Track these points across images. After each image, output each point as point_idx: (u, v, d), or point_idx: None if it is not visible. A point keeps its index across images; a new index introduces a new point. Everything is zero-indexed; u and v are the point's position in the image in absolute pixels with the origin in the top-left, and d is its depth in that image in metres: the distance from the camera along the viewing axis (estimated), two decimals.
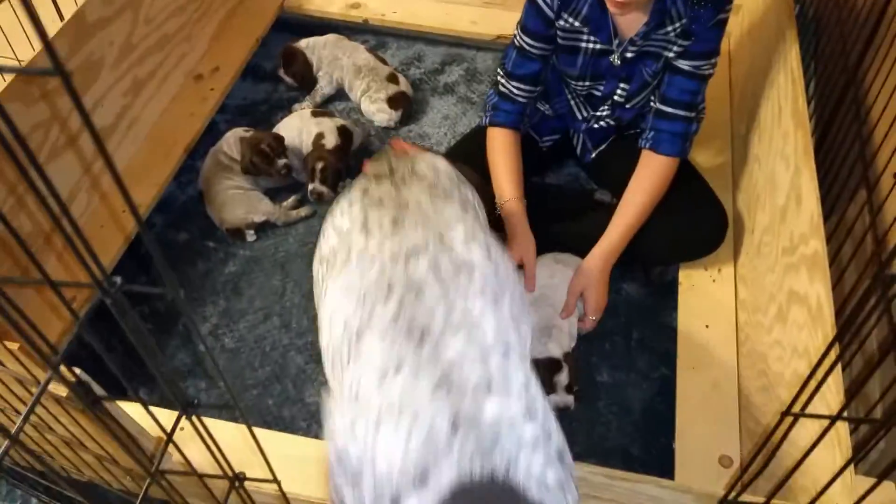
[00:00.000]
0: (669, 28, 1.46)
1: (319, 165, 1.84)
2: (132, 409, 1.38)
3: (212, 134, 1.99)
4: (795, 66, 1.52)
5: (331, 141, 1.89)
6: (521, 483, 0.69)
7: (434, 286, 0.84)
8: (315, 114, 1.97)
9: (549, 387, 1.48)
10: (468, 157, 1.72)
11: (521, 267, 1.58)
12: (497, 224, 1.63)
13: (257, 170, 1.83)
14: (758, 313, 1.48)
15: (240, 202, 1.81)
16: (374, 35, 2.36)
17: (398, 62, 2.29)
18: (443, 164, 1.11)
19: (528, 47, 1.57)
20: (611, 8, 1.41)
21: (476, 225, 0.98)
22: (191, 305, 1.70)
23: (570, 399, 1.48)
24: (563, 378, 1.48)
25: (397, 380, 0.75)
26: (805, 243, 1.27)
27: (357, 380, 0.79)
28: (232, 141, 1.87)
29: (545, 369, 1.48)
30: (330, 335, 0.89)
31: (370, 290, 0.86)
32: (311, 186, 1.85)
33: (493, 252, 0.94)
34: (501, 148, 1.65)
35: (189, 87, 1.99)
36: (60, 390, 0.92)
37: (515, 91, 1.63)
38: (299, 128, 1.94)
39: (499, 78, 1.66)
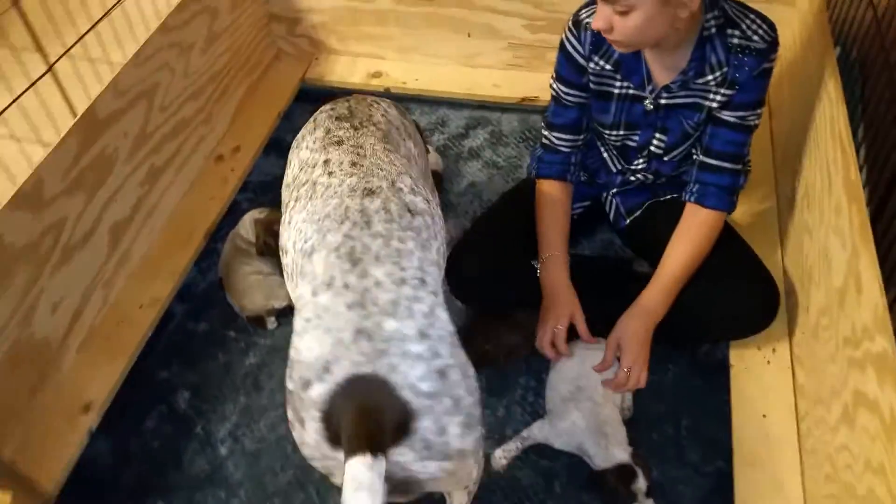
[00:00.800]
0: (710, 77, 1.38)
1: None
2: None
3: (233, 214, 1.94)
4: (844, 131, 1.40)
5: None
6: (395, 384, 0.91)
7: (381, 221, 1.05)
8: None
9: (628, 497, 1.36)
10: (512, 211, 1.68)
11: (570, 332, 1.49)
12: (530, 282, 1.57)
13: (272, 251, 1.76)
14: (819, 406, 1.34)
15: (259, 288, 1.74)
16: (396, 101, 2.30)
17: (422, 127, 2.22)
18: (394, 113, 1.38)
19: (563, 95, 1.54)
20: (614, 46, 1.37)
21: (419, 178, 1.23)
22: (210, 404, 1.63)
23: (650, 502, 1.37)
24: (640, 484, 1.36)
25: (327, 294, 0.98)
26: (870, 339, 1.14)
27: (301, 293, 1.03)
28: (248, 224, 1.80)
29: (618, 479, 1.36)
30: (293, 254, 1.10)
31: (329, 216, 1.06)
32: None
33: (432, 204, 1.19)
34: (548, 201, 1.61)
35: (209, 170, 1.95)
36: None
37: (557, 141, 1.59)
38: None
39: (543, 130, 1.62)
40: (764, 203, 1.83)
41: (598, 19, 1.31)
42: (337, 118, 1.28)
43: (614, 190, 1.71)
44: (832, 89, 1.50)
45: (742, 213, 1.77)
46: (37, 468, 1.39)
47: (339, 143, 1.21)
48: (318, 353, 0.93)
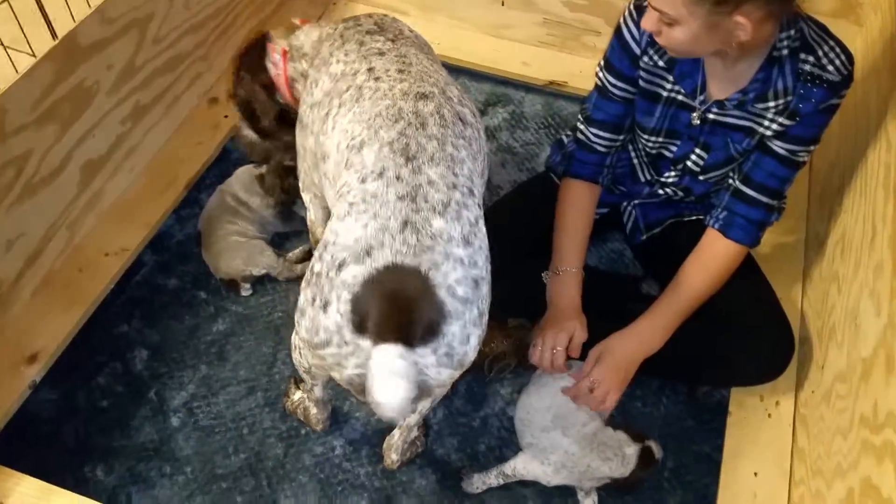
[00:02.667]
0: (771, 104, 1.24)
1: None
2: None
3: (222, 164, 1.80)
4: None
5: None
6: (435, 282, 0.91)
7: (436, 124, 1.04)
8: None
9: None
10: (526, 208, 1.57)
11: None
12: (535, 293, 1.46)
13: (291, 196, 1.62)
14: (819, 478, 1.23)
15: (239, 251, 1.61)
16: None
17: None
18: (417, 32, 1.35)
19: (610, 87, 1.37)
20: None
21: (463, 93, 1.18)
22: (168, 368, 1.52)
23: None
24: (659, 453, 1.35)
25: (376, 183, 0.97)
26: (894, 430, 1.02)
27: (346, 181, 1.01)
28: (246, 179, 1.66)
29: (645, 466, 1.33)
30: (335, 155, 1.08)
31: (380, 115, 1.05)
32: None
33: (478, 117, 1.17)
34: (573, 204, 1.47)
35: (201, 113, 1.79)
36: None
37: (594, 139, 1.44)
38: None
39: (578, 123, 1.46)
40: (792, 236, 1.69)
41: (647, 20, 1.18)
42: (368, 32, 1.25)
43: (637, 201, 1.57)
44: (893, 133, 1.35)
45: (767, 242, 1.64)
46: None
47: (381, 53, 1.18)
48: (359, 236, 0.93)
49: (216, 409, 1.48)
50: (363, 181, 0.97)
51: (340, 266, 0.92)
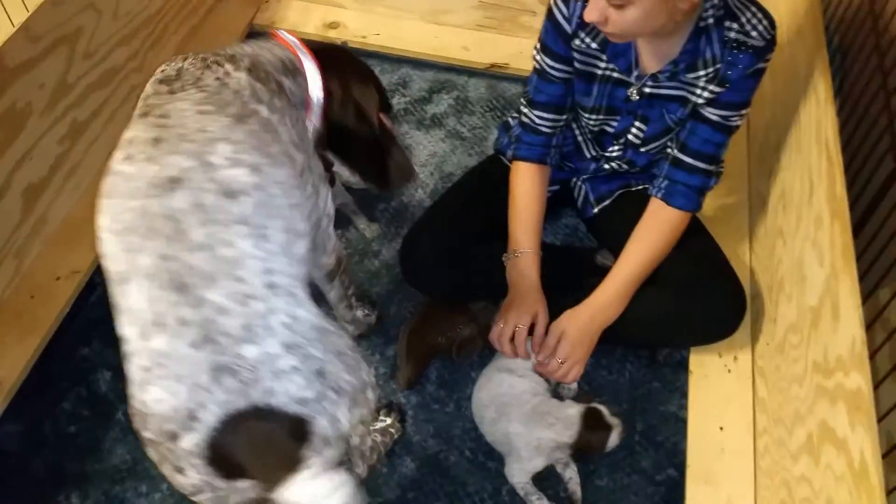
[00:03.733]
0: (701, 73, 1.28)
1: None
2: None
3: None
4: (832, 138, 1.31)
5: None
6: (282, 405, 0.83)
7: (198, 224, 0.86)
8: None
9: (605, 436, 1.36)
10: (479, 191, 1.59)
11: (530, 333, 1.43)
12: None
13: None
14: (780, 426, 1.29)
15: None
16: None
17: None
18: (241, 77, 1.04)
19: (548, 69, 1.39)
20: (608, 37, 1.25)
21: (249, 140, 0.95)
22: None
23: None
24: (608, 417, 1.37)
25: (161, 338, 0.82)
26: (844, 372, 1.07)
27: (125, 328, 0.86)
28: None
29: (592, 426, 1.35)
30: (107, 269, 0.89)
31: (131, 229, 0.87)
32: None
33: (264, 172, 0.94)
34: (524, 187, 1.49)
35: None
36: None
37: (538, 121, 1.45)
38: None
39: (521, 107, 1.48)
40: (735, 196, 1.74)
41: (592, 11, 1.17)
42: (161, 81, 1.03)
43: (585, 176, 1.61)
44: (822, 89, 1.40)
45: (711, 205, 1.69)
46: None
47: (146, 113, 0.97)
48: (174, 405, 0.81)
49: None
50: (145, 338, 0.83)
51: (173, 437, 0.82)
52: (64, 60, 1.48)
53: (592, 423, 1.36)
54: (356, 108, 1.25)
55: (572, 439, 1.35)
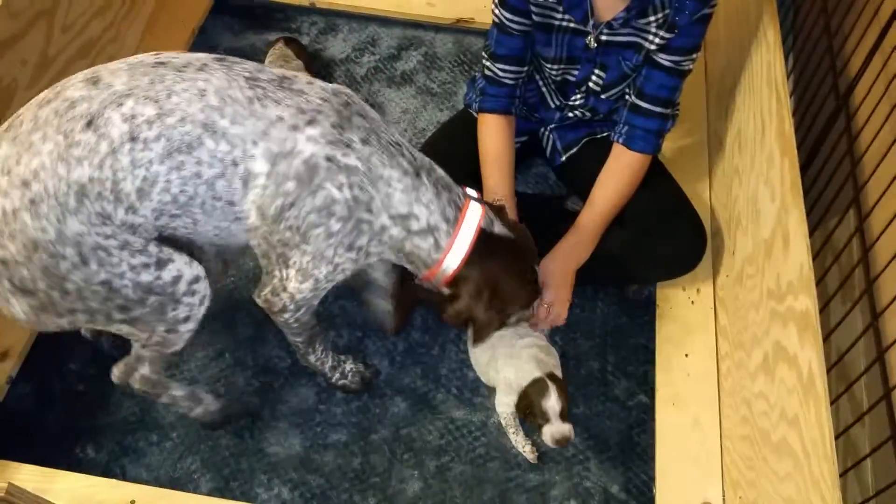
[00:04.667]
0: (651, 18, 1.36)
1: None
2: (74, 484, 1.28)
3: None
4: (780, 79, 1.41)
5: None
6: None
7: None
8: None
9: (539, 417, 1.38)
10: (451, 146, 1.63)
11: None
12: None
13: None
14: (740, 350, 1.41)
15: None
16: (321, 17, 2.17)
17: (350, 48, 2.11)
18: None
19: (507, 22, 1.45)
20: None
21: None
22: None
23: (566, 428, 1.37)
24: (552, 403, 1.37)
25: None
26: (794, 296, 1.19)
27: None
28: None
29: (533, 394, 1.37)
30: None
31: None
32: None
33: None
34: (492, 137, 1.56)
35: None
36: None
37: (501, 73, 1.52)
38: None
39: (484, 60, 1.54)
40: (694, 137, 1.84)
41: None
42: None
43: (552, 126, 1.69)
44: (771, 34, 1.49)
45: (672, 147, 1.79)
46: None
47: None
48: None
49: (190, 375, 1.55)
50: None
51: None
52: (43, 35, 1.51)
53: (537, 393, 1.38)
54: (488, 302, 1.27)
55: (517, 394, 1.42)
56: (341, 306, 1.65)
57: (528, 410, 1.40)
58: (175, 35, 1.95)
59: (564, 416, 1.38)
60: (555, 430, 1.37)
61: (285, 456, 1.46)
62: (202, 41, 2.04)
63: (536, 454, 1.46)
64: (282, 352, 1.58)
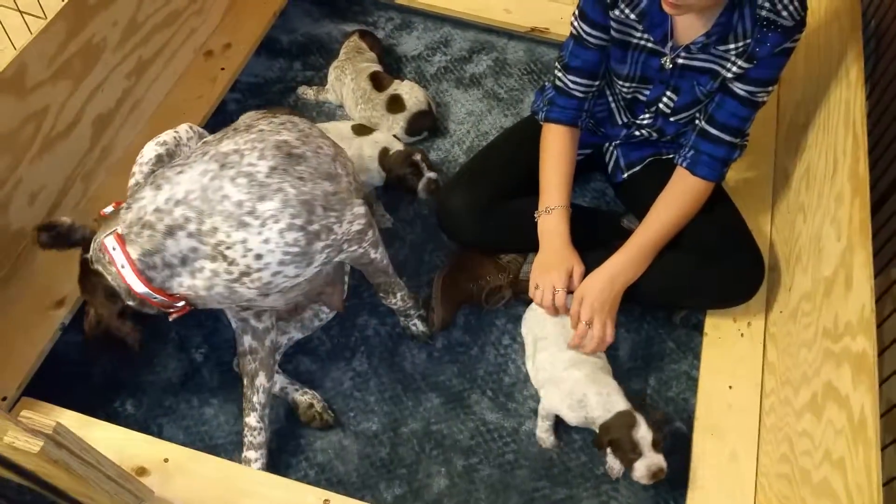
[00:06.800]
0: (731, 46, 1.35)
1: (418, 156, 1.68)
2: (110, 435, 1.31)
3: (221, 114, 1.86)
4: (859, 119, 1.39)
5: (398, 144, 1.75)
6: None
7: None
8: (359, 132, 1.77)
9: (630, 451, 1.31)
10: (513, 151, 1.66)
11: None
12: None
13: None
14: (787, 387, 1.38)
15: None
16: (399, 13, 2.20)
17: (423, 45, 2.14)
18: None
19: (585, 35, 1.45)
20: (665, 8, 1.29)
21: None
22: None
23: (660, 459, 1.30)
24: (643, 433, 1.30)
25: None
26: (852, 337, 1.16)
27: None
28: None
29: (619, 428, 1.31)
30: None
31: None
32: (427, 176, 1.68)
33: None
34: (554, 147, 1.56)
35: (198, 66, 1.84)
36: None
37: (572, 85, 1.53)
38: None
39: (556, 71, 1.55)
40: (759, 170, 1.82)
41: None
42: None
43: (617, 142, 1.68)
44: (853, 72, 1.47)
45: (737, 177, 1.77)
46: (2, 362, 1.37)
47: None
48: None
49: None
50: None
51: None
52: (135, 0, 1.56)
53: (625, 423, 1.33)
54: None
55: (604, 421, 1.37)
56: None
57: (616, 446, 1.33)
58: (256, 15, 1.99)
59: (658, 446, 1.32)
60: (650, 462, 1.30)
61: (314, 439, 1.48)
62: (282, 23, 2.08)
63: (559, 446, 1.47)
64: (322, 334, 1.60)
